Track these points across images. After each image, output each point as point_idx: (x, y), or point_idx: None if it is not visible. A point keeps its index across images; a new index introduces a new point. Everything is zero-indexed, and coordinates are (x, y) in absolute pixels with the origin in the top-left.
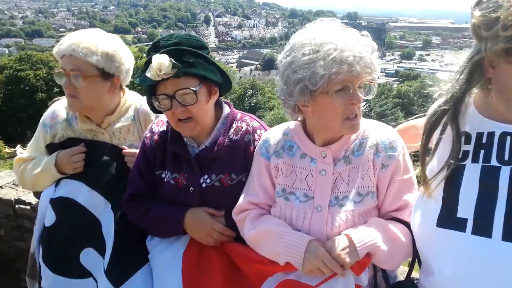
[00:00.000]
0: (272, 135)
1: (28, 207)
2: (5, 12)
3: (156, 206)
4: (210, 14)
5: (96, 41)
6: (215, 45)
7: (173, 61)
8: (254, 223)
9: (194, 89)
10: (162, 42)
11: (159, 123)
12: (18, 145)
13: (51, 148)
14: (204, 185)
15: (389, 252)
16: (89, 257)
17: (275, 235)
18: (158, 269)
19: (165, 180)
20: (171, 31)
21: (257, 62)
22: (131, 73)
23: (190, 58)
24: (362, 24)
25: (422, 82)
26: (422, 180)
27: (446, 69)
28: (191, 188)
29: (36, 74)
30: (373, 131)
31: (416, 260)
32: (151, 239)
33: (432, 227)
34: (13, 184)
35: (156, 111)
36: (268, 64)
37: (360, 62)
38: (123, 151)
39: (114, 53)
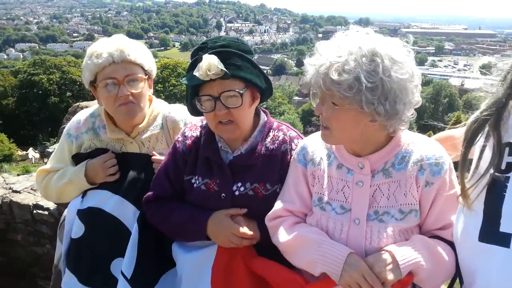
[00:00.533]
0: (310, 142)
1: (46, 212)
2: (21, 17)
3: (178, 209)
4: (221, 19)
5: (133, 43)
6: None
7: (221, 63)
8: (289, 230)
9: (240, 91)
10: (210, 43)
11: (192, 127)
12: (30, 148)
13: (78, 158)
14: (237, 192)
15: (432, 272)
16: (120, 267)
17: (312, 242)
18: (186, 283)
19: (195, 185)
20: (183, 36)
21: (268, 67)
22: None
23: (238, 61)
24: (374, 30)
25: (434, 87)
26: (461, 190)
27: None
28: (223, 194)
29: (49, 78)
30: (417, 145)
31: (458, 279)
32: (177, 245)
33: (473, 241)
34: (31, 189)
35: (194, 113)
36: (279, 70)
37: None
38: (152, 157)
39: (147, 52)
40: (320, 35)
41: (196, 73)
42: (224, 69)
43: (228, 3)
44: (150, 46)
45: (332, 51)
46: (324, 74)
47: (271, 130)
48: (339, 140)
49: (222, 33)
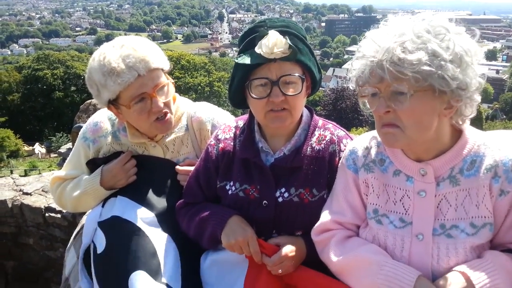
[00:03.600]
0: (360, 145)
1: (59, 215)
2: (23, 13)
3: (206, 206)
4: (223, 10)
5: (139, 42)
6: (229, 41)
7: (290, 42)
8: (341, 246)
9: (302, 76)
10: (270, 23)
11: (225, 129)
12: (37, 143)
13: (93, 164)
14: (280, 199)
15: None
16: (138, 281)
17: (372, 264)
18: None
19: (230, 192)
20: (185, 28)
21: None
22: None
23: (299, 43)
24: (377, 17)
25: None
26: None
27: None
28: (265, 201)
29: (53, 73)
30: (490, 148)
31: None
32: (204, 262)
33: None
34: (43, 190)
35: (236, 102)
36: None
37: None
38: (176, 167)
39: (158, 48)
40: (323, 24)
41: (258, 50)
42: (293, 46)
43: None
44: (153, 38)
45: (387, 35)
46: (388, 59)
47: (317, 129)
48: (413, 140)
49: (225, 24)
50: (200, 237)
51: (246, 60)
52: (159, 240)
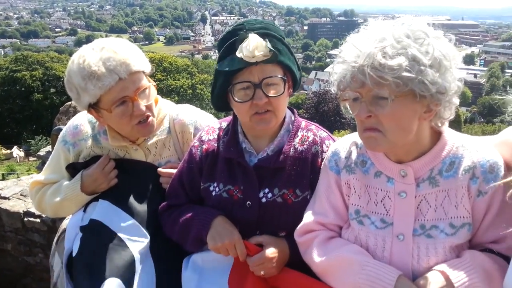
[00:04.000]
0: (342, 146)
1: (38, 220)
2: (1, 12)
3: (189, 208)
4: (206, 12)
5: (120, 44)
6: (212, 43)
7: (270, 45)
8: (323, 247)
9: (284, 77)
10: (248, 25)
11: (209, 130)
12: (15, 147)
13: (73, 168)
14: (264, 199)
15: None
16: None
17: (354, 264)
18: None
19: (214, 193)
20: (168, 30)
21: None
22: None
23: (279, 44)
24: (359, 21)
25: None
26: None
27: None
28: (248, 202)
29: (32, 74)
30: (468, 149)
31: None
32: (186, 269)
33: None
34: (21, 194)
35: (220, 106)
36: None
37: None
38: (158, 170)
39: (139, 51)
40: (305, 27)
41: (239, 54)
42: (273, 49)
43: None
44: (135, 40)
45: (368, 40)
46: (369, 64)
47: (299, 130)
48: (393, 144)
49: (207, 27)
50: (185, 240)
51: (227, 66)
52: (136, 248)
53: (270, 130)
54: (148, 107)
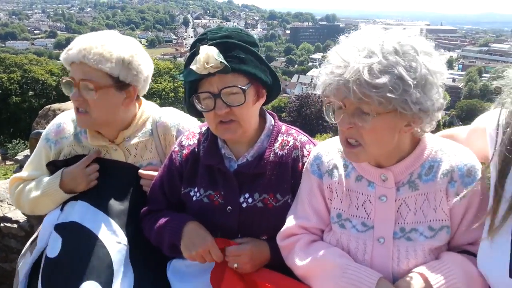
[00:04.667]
0: (324, 150)
1: (15, 225)
2: None
3: (164, 216)
4: (189, 16)
5: (110, 46)
6: None
7: (221, 55)
8: (306, 251)
9: (243, 87)
10: (210, 34)
11: (189, 135)
12: None
13: (53, 166)
14: (244, 205)
15: None
16: None
17: (335, 267)
18: None
19: (195, 198)
20: (150, 33)
21: None
22: (149, 81)
23: (240, 53)
24: (340, 26)
25: None
26: (490, 226)
27: None
28: (229, 207)
29: (10, 77)
30: (447, 153)
31: None
32: (169, 267)
33: (504, 278)
34: None
35: (193, 113)
36: None
37: None
38: (139, 172)
39: (131, 59)
40: (288, 31)
41: (193, 66)
42: (224, 62)
43: None
44: None
45: (356, 53)
46: (355, 80)
47: (280, 135)
48: (373, 156)
49: (190, 30)
50: (161, 246)
51: (184, 77)
52: (116, 251)
53: (242, 137)
54: (85, 103)
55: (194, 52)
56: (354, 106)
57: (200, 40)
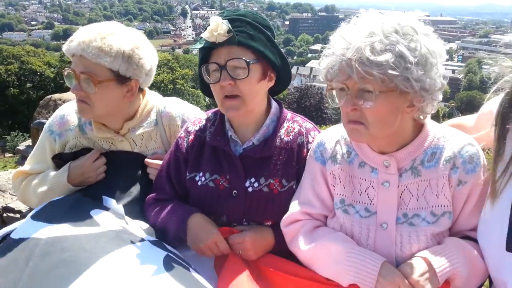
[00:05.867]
0: (327, 137)
1: (18, 215)
2: None
3: (168, 207)
4: (187, 7)
5: (110, 39)
6: (193, 38)
7: (229, 25)
8: (310, 236)
9: (248, 60)
10: (227, 12)
11: (196, 121)
12: None
13: (59, 158)
14: (250, 189)
15: (468, 277)
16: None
17: (339, 251)
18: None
19: (200, 183)
20: (147, 24)
21: None
22: (153, 74)
23: (251, 30)
24: (340, 16)
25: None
26: (491, 184)
27: None
28: (234, 191)
29: (7, 69)
30: (449, 140)
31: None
32: None
33: (501, 251)
34: (0, 190)
35: (204, 90)
36: None
37: None
38: (145, 160)
39: (132, 53)
40: (287, 22)
41: (204, 35)
42: (231, 29)
43: None
44: None
45: (358, 34)
46: (357, 58)
47: (286, 121)
48: (376, 136)
49: (188, 21)
50: (166, 236)
51: (197, 45)
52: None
53: (247, 119)
54: (85, 95)
55: (208, 25)
56: (357, 86)
57: (217, 16)
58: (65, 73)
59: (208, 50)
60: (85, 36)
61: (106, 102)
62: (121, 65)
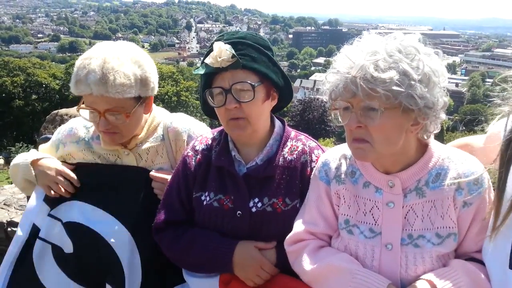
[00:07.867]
0: (332, 157)
1: None
2: None
3: (199, 238)
4: (191, 20)
5: (122, 68)
6: (197, 51)
7: (233, 50)
8: (314, 256)
9: (253, 84)
10: (227, 35)
11: (202, 140)
12: None
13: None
14: (254, 209)
15: None
16: None
17: (344, 272)
18: None
19: (205, 202)
20: (152, 37)
21: None
22: (157, 78)
23: (253, 52)
24: (343, 30)
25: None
26: (495, 215)
27: None
28: (239, 212)
29: (13, 81)
30: (454, 161)
31: None
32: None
33: (504, 269)
34: (4, 204)
35: (208, 111)
36: None
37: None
38: (151, 173)
39: (142, 73)
40: (290, 36)
41: (207, 60)
42: (235, 55)
43: (198, 4)
44: None
45: (361, 53)
46: (361, 76)
47: (289, 140)
48: (381, 155)
49: (193, 34)
50: (196, 269)
51: (199, 71)
52: (127, 254)
53: (251, 138)
54: (117, 126)
55: (210, 50)
56: (361, 104)
57: (217, 40)
58: (84, 109)
59: (211, 74)
60: (98, 73)
61: (135, 125)
62: (140, 89)
